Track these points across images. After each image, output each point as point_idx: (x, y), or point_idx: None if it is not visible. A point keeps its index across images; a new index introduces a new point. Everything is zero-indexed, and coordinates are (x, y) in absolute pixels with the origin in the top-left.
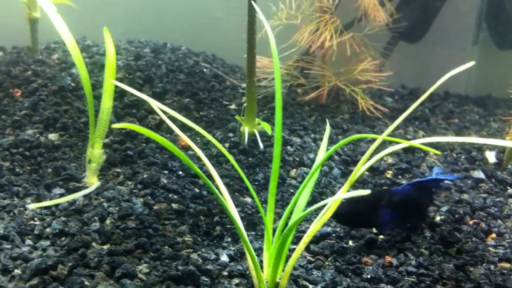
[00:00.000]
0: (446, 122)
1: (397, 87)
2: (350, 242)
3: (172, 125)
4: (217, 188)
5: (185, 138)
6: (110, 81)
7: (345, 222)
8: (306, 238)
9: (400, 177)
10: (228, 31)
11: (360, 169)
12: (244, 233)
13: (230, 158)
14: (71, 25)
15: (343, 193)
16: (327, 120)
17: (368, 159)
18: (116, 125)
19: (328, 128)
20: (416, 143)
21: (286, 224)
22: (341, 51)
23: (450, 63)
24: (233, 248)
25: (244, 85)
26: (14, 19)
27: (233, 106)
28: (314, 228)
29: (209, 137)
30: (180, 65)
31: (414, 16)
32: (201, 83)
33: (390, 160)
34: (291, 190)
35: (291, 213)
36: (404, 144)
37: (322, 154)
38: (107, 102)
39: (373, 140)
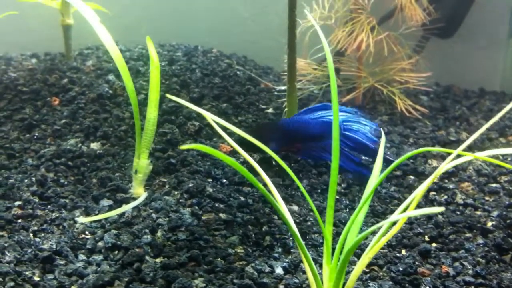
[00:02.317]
0: (486, 122)
1: (431, 84)
2: (403, 251)
3: (228, 138)
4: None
5: (237, 148)
6: (155, 91)
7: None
8: (370, 253)
9: (446, 181)
10: (255, 32)
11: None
12: (304, 246)
13: (285, 166)
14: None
15: (413, 211)
16: (381, 129)
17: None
18: (184, 147)
19: (383, 136)
20: (483, 155)
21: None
22: (376, 50)
23: (484, 58)
24: (286, 260)
25: (279, 87)
26: (44, 25)
27: (270, 110)
28: (379, 244)
29: (261, 145)
30: (213, 68)
31: (446, 11)
32: (237, 87)
33: (435, 164)
34: (337, 197)
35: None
36: (469, 156)
37: (378, 162)
38: (152, 112)
39: (417, 142)
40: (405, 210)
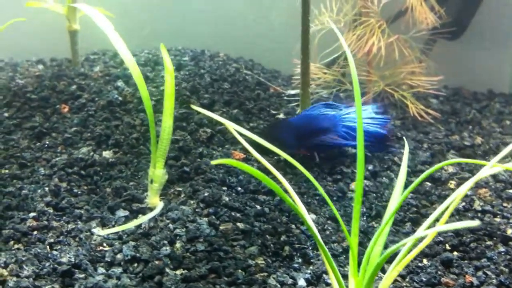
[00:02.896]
0: (499, 125)
1: (439, 87)
2: (425, 261)
3: (248, 147)
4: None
5: (257, 156)
6: (170, 99)
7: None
8: (400, 266)
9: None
10: (262, 34)
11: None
12: (331, 259)
13: (306, 172)
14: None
15: (443, 225)
16: (404, 138)
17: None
18: (215, 162)
19: (406, 146)
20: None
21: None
22: (386, 54)
23: (491, 59)
24: (308, 271)
25: (288, 92)
26: (48, 30)
27: (281, 115)
28: (409, 257)
29: (285, 156)
30: (222, 73)
31: (453, 13)
32: (246, 92)
33: (451, 169)
34: (353, 204)
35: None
36: (498, 167)
37: (403, 172)
38: (167, 121)
39: (431, 146)
40: (436, 220)
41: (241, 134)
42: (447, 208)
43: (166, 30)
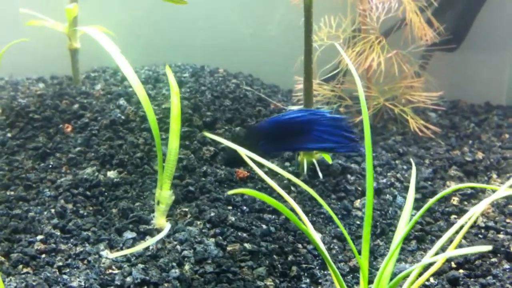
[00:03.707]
0: (498, 139)
1: (437, 100)
2: (431, 279)
3: (261, 173)
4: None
5: (265, 178)
6: (176, 121)
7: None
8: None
9: (466, 203)
10: (259, 48)
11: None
12: (341, 278)
13: (311, 191)
14: (103, 51)
15: (456, 250)
16: (411, 159)
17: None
18: (231, 192)
19: (414, 168)
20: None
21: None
22: (385, 69)
23: (488, 71)
24: None
25: (289, 108)
26: (47, 48)
27: None
28: (420, 280)
29: (293, 179)
30: (223, 90)
31: (450, 25)
32: (248, 109)
33: (453, 186)
34: (358, 222)
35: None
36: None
37: (411, 196)
38: (174, 142)
39: (432, 162)
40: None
41: (252, 159)
42: (456, 232)
43: (163, 45)
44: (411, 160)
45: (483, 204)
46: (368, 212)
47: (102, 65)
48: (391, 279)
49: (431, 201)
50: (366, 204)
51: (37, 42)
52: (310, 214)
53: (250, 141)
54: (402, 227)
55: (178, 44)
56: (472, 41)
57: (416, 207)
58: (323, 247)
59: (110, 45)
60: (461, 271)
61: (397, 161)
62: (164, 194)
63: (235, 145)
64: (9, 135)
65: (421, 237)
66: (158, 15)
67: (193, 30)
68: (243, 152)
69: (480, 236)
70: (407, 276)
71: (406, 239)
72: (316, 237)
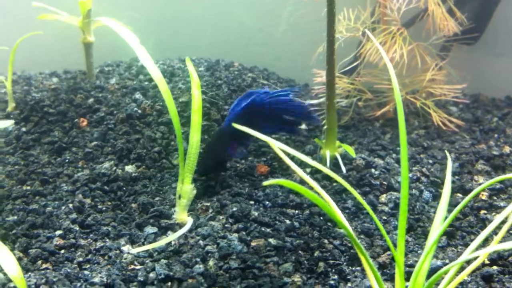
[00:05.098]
0: None
1: (458, 94)
2: (465, 276)
3: (288, 160)
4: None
5: (296, 169)
6: (197, 114)
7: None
8: (452, 285)
9: (495, 198)
10: (271, 43)
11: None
12: (378, 274)
13: (343, 182)
14: (116, 42)
15: (499, 244)
16: (447, 152)
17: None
18: (266, 183)
19: (449, 162)
20: None
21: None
22: (406, 61)
23: (507, 65)
24: None
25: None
26: (58, 42)
27: (303, 126)
28: (460, 277)
29: (328, 172)
30: (239, 83)
31: (471, 17)
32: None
33: (481, 180)
34: (384, 218)
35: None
36: None
37: (447, 189)
38: (195, 136)
39: (458, 157)
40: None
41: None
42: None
43: (175, 41)
44: (447, 154)
45: None
46: (403, 206)
47: (115, 59)
48: (427, 276)
49: (467, 197)
50: (401, 198)
51: (48, 37)
52: None
53: (223, 144)
54: (438, 223)
55: (189, 39)
56: (491, 35)
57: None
58: (360, 245)
59: (130, 37)
60: (494, 267)
61: (422, 155)
62: (186, 188)
63: (266, 137)
64: (23, 129)
65: (451, 233)
66: (170, 11)
67: (204, 26)
68: (275, 143)
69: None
70: (445, 273)
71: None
72: (353, 233)
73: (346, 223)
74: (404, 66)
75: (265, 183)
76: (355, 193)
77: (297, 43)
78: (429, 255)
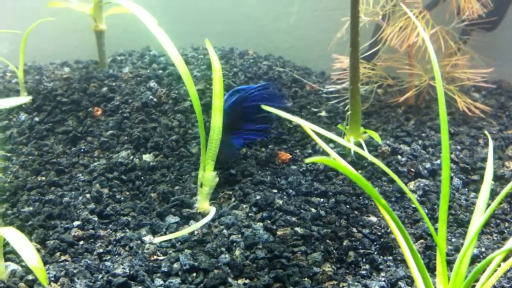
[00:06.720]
0: None
1: (482, 79)
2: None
3: (327, 148)
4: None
5: (331, 152)
6: (219, 98)
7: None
8: (493, 278)
9: None
10: (286, 31)
11: None
12: (421, 260)
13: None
14: (126, 33)
15: None
16: (487, 133)
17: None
18: (308, 160)
19: (490, 143)
20: None
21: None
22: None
23: None
24: (380, 279)
25: (326, 89)
26: (70, 34)
27: (323, 113)
28: (502, 269)
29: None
30: (255, 71)
31: (491, 2)
32: (283, 90)
33: None
34: (413, 206)
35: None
36: None
37: (490, 172)
38: (217, 121)
39: (487, 142)
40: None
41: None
42: None
43: (187, 29)
44: (488, 136)
45: None
46: (444, 191)
47: (127, 48)
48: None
49: (509, 185)
50: (443, 180)
51: (57, 28)
52: (361, 197)
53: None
54: (481, 210)
55: (202, 28)
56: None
57: (475, 189)
58: (404, 230)
59: (149, 19)
60: None
61: (449, 142)
62: (208, 175)
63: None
64: (36, 119)
65: (486, 221)
66: (182, 0)
67: (218, 14)
68: (306, 124)
69: None
70: (490, 262)
71: (468, 223)
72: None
73: (388, 206)
74: (426, 51)
75: (307, 160)
76: (395, 177)
77: (312, 31)
78: (472, 242)
